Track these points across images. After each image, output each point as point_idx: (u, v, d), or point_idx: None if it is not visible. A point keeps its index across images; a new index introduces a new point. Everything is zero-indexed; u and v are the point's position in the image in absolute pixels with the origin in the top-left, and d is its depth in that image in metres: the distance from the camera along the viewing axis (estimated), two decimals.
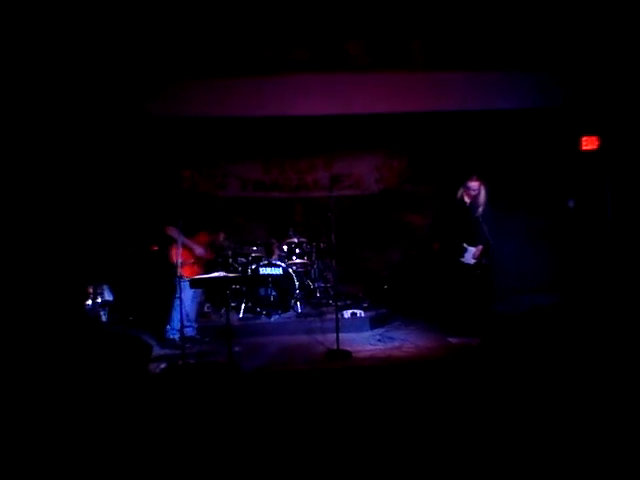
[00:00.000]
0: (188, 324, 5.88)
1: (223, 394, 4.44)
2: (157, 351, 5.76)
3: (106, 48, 5.76)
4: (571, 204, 7.16)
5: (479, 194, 6.00)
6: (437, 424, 3.71)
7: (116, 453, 3.39)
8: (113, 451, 3.41)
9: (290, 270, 6.88)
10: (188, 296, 5.79)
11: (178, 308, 5.54)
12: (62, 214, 6.22)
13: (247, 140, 7.61)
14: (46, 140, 6.03)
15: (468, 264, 6.11)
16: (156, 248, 6.92)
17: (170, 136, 7.17)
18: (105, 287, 6.87)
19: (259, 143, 7.74)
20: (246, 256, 7.21)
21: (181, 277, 5.54)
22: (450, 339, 5.96)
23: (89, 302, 6.72)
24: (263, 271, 6.86)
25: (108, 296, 6.88)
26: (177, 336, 5.78)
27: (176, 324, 5.74)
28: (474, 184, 5.99)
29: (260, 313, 6.82)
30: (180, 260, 5.51)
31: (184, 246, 5.68)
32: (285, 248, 7.30)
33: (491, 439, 3.46)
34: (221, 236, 6.31)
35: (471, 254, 6.08)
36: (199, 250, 5.93)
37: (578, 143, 6.94)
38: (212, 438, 3.61)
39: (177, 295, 5.56)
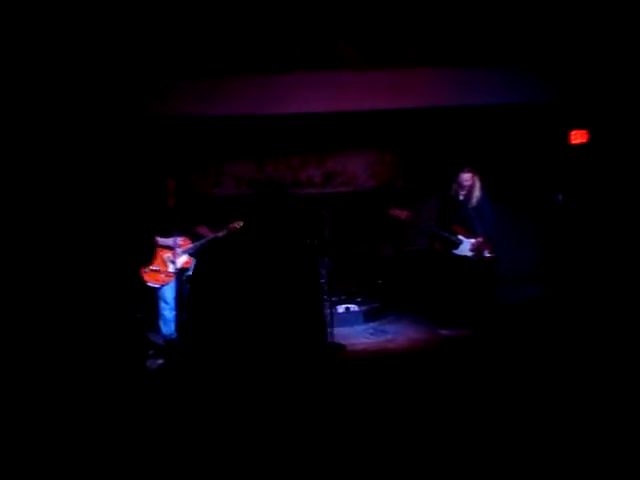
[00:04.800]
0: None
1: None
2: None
3: (106, 49, 5.86)
4: (560, 198, 7.23)
5: (473, 185, 6.07)
6: (430, 416, 3.76)
7: (110, 450, 3.44)
8: (108, 448, 3.46)
9: None
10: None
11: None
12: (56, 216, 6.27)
13: (241, 138, 7.64)
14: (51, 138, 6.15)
15: (465, 256, 6.09)
16: None
17: (166, 136, 7.22)
18: None
19: (253, 141, 7.76)
20: None
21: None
22: (441, 331, 6.06)
23: None
24: None
25: None
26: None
27: (165, 330, 5.75)
28: (466, 175, 6.07)
29: None
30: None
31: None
32: None
33: (482, 431, 3.49)
34: None
35: (468, 246, 6.09)
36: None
37: (567, 137, 6.99)
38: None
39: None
